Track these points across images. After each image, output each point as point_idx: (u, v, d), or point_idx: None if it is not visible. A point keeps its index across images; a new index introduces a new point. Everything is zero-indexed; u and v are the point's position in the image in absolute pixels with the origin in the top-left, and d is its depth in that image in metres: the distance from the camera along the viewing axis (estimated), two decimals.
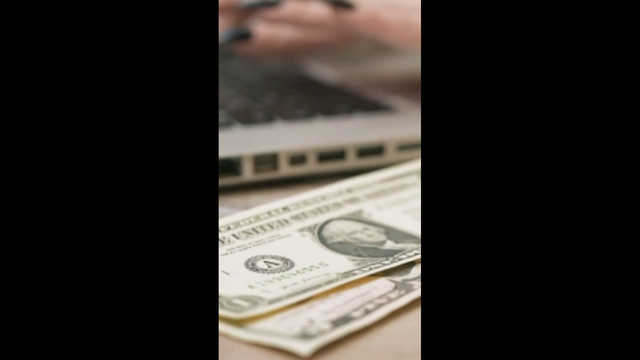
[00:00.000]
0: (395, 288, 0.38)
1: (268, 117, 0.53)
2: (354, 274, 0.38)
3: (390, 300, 0.37)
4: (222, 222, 0.42)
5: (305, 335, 0.34)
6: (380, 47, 0.69)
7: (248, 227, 0.42)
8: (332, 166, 0.50)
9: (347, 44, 0.60)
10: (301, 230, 0.42)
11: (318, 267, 0.39)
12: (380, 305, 0.36)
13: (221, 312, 0.35)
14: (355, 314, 0.36)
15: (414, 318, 0.36)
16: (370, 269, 0.39)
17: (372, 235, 0.43)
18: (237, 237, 0.41)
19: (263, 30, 0.57)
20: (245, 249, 0.40)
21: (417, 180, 0.47)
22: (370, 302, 0.37)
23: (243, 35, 0.57)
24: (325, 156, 0.50)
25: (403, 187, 0.47)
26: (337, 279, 0.38)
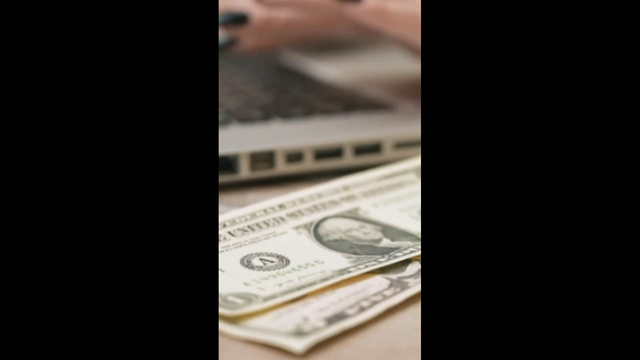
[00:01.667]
0: (391, 285, 0.38)
1: (265, 115, 0.53)
2: (350, 272, 0.38)
3: (385, 297, 0.37)
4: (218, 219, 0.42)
5: (299, 333, 0.34)
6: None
7: (244, 225, 0.42)
8: (329, 164, 0.50)
9: (345, 26, 0.60)
10: (297, 227, 0.42)
11: (313, 265, 0.39)
12: (375, 303, 0.36)
13: None
14: (350, 312, 0.36)
15: (409, 316, 0.36)
16: (366, 266, 0.39)
17: (369, 233, 0.42)
18: (232, 235, 0.41)
19: (258, 11, 0.56)
20: (240, 246, 0.40)
21: (414, 178, 0.47)
22: (365, 299, 0.37)
23: (239, 19, 0.56)
24: (322, 154, 0.50)
25: (400, 185, 0.47)
26: (332, 277, 0.38)
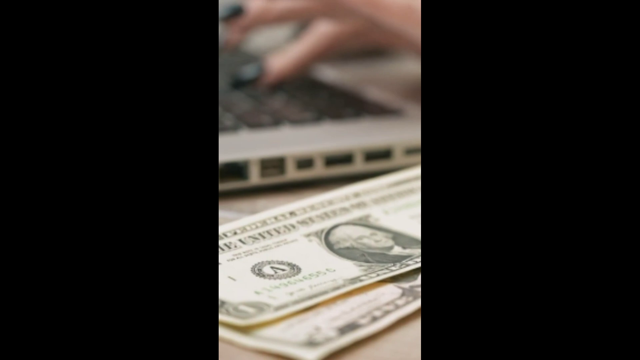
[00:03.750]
0: (403, 295, 0.37)
1: (275, 121, 0.53)
2: (361, 280, 0.38)
3: (397, 307, 0.36)
4: (228, 226, 0.41)
5: (311, 343, 0.34)
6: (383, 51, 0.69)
7: (254, 232, 0.42)
8: (340, 170, 0.50)
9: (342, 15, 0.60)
10: (308, 235, 0.42)
11: (325, 273, 0.39)
12: (387, 312, 0.36)
13: (227, 318, 0.35)
14: (362, 321, 0.35)
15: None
16: (378, 275, 0.39)
17: (380, 241, 0.42)
18: (243, 242, 0.41)
19: (254, 3, 0.58)
20: (251, 254, 0.40)
21: None
22: (378, 308, 0.36)
23: (235, 11, 0.59)
24: (333, 160, 0.50)
25: (410, 191, 0.47)
26: (343, 285, 0.38)
